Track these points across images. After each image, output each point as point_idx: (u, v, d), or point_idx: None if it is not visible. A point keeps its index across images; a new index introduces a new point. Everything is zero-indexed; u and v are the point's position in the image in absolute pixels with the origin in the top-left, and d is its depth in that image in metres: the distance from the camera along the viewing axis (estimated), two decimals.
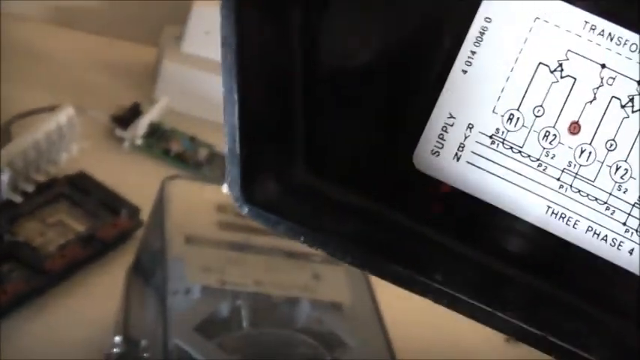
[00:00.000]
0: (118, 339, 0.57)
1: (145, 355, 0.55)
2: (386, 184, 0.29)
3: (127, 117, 0.88)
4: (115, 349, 0.57)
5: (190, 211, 0.62)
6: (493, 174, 0.29)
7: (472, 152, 0.29)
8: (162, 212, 0.61)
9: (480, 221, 0.30)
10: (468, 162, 0.29)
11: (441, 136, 0.29)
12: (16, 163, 0.73)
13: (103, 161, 0.83)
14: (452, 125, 0.29)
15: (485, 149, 0.29)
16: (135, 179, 0.81)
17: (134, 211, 0.76)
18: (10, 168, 0.72)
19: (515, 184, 0.29)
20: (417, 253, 0.29)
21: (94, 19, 1.02)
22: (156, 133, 0.88)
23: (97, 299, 0.69)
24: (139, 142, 0.87)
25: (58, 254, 0.70)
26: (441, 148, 0.29)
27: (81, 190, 0.78)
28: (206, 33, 0.94)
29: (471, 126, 0.29)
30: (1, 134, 0.77)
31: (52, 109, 0.79)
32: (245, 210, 0.29)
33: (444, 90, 0.29)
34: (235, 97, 0.28)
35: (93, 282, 0.71)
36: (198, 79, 0.94)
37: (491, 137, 0.29)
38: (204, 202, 0.63)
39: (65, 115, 0.79)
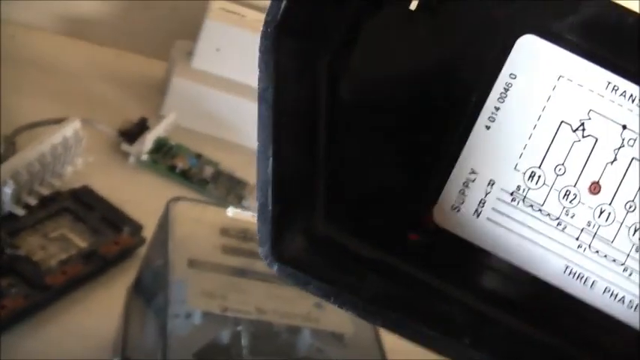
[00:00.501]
0: None
1: None
2: (406, 239, 0.29)
3: (133, 132, 0.87)
4: None
5: (194, 234, 0.62)
6: (513, 231, 0.29)
7: (493, 209, 0.29)
8: (166, 234, 0.60)
9: (500, 279, 0.30)
10: (489, 218, 0.29)
11: (462, 192, 0.29)
12: (20, 176, 0.72)
13: (107, 176, 0.82)
14: (473, 181, 0.29)
15: (505, 206, 0.29)
16: (139, 195, 0.80)
17: (136, 228, 0.75)
18: (14, 181, 0.71)
19: (534, 242, 0.29)
20: (443, 314, 0.29)
21: (104, 32, 1.02)
22: (162, 148, 0.88)
23: (96, 316, 0.68)
24: (144, 157, 0.86)
25: (59, 270, 0.70)
26: (462, 203, 0.29)
27: (84, 204, 0.77)
28: (217, 50, 0.93)
29: (492, 182, 0.29)
30: (6, 145, 0.76)
31: (58, 121, 0.79)
32: (274, 268, 0.28)
33: (467, 145, 0.29)
34: (270, 152, 0.28)
35: (93, 299, 0.70)
36: (207, 95, 0.93)
37: (512, 194, 0.29)
38: (208, 225, 0.63)
39: (72, 128, 0.78)
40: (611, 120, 0.28)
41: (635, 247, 0.29)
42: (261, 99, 0.27)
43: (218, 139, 0.92)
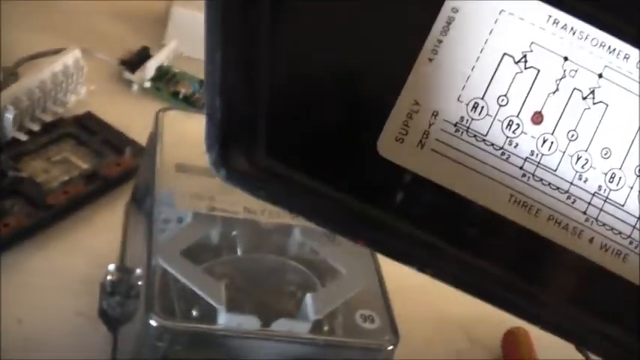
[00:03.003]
0: (111, 267, 0.56)
1: (138, 283, 0.53)
2: (350, 171, 0.28)
3: (135, 60, 0.86)
4: (108, 277, 0.55)
5: (183, 141, 0.60)
6: (457, 162, 0.28)
7: (436, 140, 0.28)
8: (155, 142, 0.59)
9: (444, 210, 0.29)
10: (433, 149, 0.28)
11: (405, 123, 0.28)
12: (21, 102, 0.71)
13: (110, 103, 0.81)
14: (417, 112, 0.27)
15: (449, 137, 0.28)
16: (142, 121, 0.78)
17: (138, 150, 0.74)
18: (15, 107, 0.70)
19: (478, 172, 0.28)
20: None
21: None
22: (165, 76, 0.86)
23: (99, 234, 0.68)
24: (147, 84, 0.85)
25: (61, 190, 0.69)
26: (406, 134, 0.28)
27: (87, 129, 0.76)
28: None
29: (435, 114, 0.28)
30: (7, 76, 0.75)
31: (59, 51, 0.77)
32: (221, 174, 0.28)
33: (410, 77, 0.27)
34: (218, 56, 0.26)
35: (96, 218, 0.70)
36: None
37: (455, 125, 0.28)
38: (199, 133, 0.61)
39: (72, 56, 0.77)
40: (553, 52, 0.27)
41: (577, 175, 0.28)
42: (207, 4, 0.26)
43: None
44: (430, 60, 0.27)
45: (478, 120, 0.28)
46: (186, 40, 0.89)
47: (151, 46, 0.88)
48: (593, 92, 0.28)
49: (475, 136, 0.28)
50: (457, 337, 0.69)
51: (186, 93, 0.85)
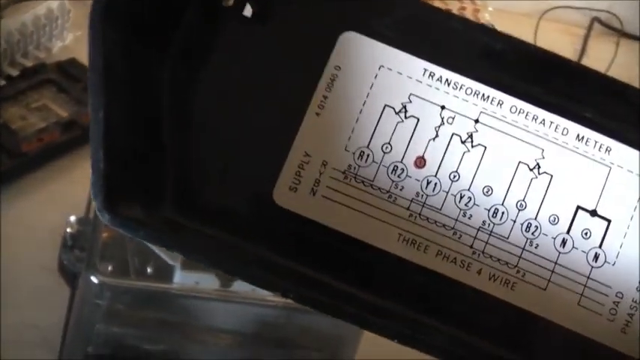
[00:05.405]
0: (72, 218, 0.57)
1: None
2: (249, 220, 0.31)
3: None
4: (68, 229, 0.57)
5: None
6: (347, 206, 0.31)
7: (327, 187, 0.31)
8: None
9: (339, 252, 0.32)
10: (324, 196, 0.31)
11: (297, 174, 0.31)
12: None
13: None
14: (308, 163, 0.31)
15: (339, 184, 0.31)
16: None
17: None
18: None
19: (367, 214, 0.31)
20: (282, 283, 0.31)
21: None
22: None
23: (74, 185, 0.69)
24: None
25: (36, 137, 0.71)
26: (298, 184, 0.31)
27: (69, 76, 0.77)
28: None
29: (325, 163, 0.31)
30: None
31: None
32: (105, 218, 0.29)
33: (300, 131, 0.31)
34: (100, 116, 0.29)
35: (73, 168, 0.72)
36: None
37: (344, 173, 0.31)
38: None
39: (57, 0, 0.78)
40: (430, 102, 0.31)
41: (462, 212, 0.31)
42: (91, 68, 0.29)
43: None
44: (317, 114, 0.31)
45: (365, 167, 0.31)
46: None
47: None
48: (471, 136, 0.31)
49: (363, 181, 0.31)
50: None
51: None
